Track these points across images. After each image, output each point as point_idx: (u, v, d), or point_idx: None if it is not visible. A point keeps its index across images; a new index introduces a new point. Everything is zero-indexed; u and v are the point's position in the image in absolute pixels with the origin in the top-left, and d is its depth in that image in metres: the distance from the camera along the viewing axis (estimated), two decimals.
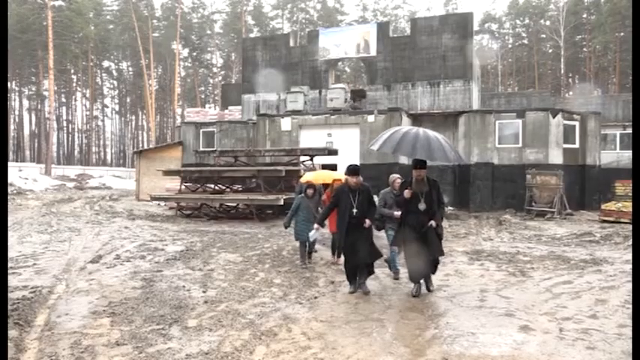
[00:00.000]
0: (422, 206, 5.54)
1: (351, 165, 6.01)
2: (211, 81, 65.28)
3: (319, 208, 7.40)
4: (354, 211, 5.73)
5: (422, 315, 5.02)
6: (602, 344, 4.19)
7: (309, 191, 7.46)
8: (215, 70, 62.97)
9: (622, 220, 12.77)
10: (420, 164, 5.51)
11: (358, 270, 5.88)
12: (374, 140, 5.91)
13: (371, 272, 6.04)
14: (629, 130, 20.53)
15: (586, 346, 4.15)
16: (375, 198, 6.41)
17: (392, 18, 56.14)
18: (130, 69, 63.82)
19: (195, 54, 59.60)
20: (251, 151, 16.63)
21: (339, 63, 31.65)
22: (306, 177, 9.09)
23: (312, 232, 6.24)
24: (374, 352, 3.99)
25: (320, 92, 21.62)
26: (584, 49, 48.34)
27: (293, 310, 5.15)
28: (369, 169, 8.73)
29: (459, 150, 17.69)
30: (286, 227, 7.49)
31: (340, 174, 8.23)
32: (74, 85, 60.46)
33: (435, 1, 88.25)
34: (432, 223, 5.52)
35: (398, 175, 7.03)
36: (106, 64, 63.35)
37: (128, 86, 64.92)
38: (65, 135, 63.43)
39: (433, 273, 5.94)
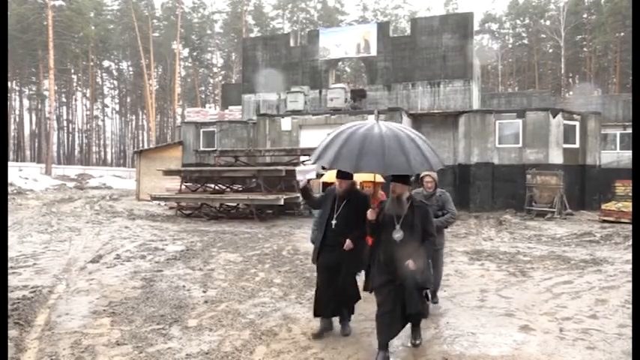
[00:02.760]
0: (397, 235, 3.90)
1: None
2: (211, 81, 65.30)
3: None
4: (333, 222, 4.35)
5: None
6: (602, 344, 4.19)
7: None
8: (215, 70, 63.00)
9: (622, 220, 12.77)
10: (397, 177, 3.90)
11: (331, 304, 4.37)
12: (315, 151, 3.90)
13: (350, 311, 4.55)
14: (629, 130, 20.51)
15: (586, 346, 4.16)
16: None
17: (392, 18, 56.15)
18: (130, 69, 63.81)
19: (195, 54, 59.60)
20: (251, 151, 16.64)
21: (340, 63, 31.64)
22: (326, 177, 6.25)
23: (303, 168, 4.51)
24: (374, 352, 3.99)
25: (320, 92, 21.61)
26: (585, 49, 48.32)
27: (293, 310, 5.16)
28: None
29: (459, 150, 17.71)
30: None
31: (369, 175, 5.30)
32: (74, 84, 60.46)
33: (435, 1, 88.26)
34: (409, 263, 3.81)
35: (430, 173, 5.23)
36: (106, 63, 63.37)
37: (128, 86, 64.92)
38: (65, 135, 63.43)
39: (415, 324, 4.19)
